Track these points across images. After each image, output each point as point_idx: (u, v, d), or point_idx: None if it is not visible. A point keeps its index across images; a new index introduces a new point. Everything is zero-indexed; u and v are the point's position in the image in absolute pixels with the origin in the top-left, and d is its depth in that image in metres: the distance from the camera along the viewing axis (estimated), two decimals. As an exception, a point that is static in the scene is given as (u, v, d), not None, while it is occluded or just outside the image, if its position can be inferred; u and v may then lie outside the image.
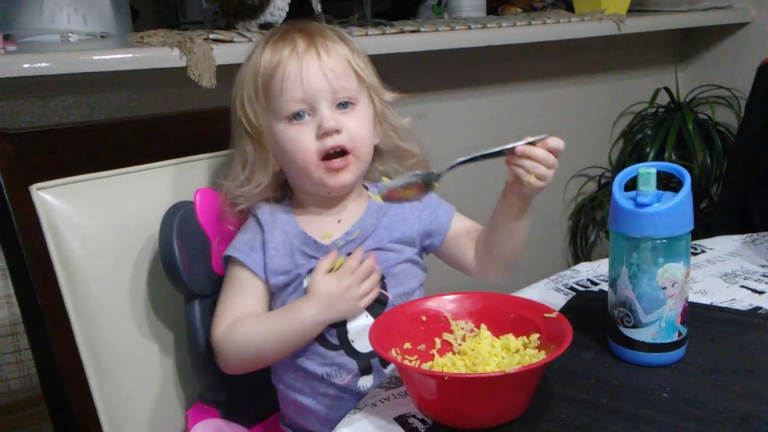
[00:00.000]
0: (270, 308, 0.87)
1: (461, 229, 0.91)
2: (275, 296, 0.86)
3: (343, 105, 0.84)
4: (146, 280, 0.90)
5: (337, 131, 0.83)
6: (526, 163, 0.76)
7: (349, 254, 0.85)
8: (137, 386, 0.88)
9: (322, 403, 0.86)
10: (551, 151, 0.76)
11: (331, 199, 0.88)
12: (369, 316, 0.85)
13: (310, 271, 0.84)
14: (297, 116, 0.84)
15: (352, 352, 0.85)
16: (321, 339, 0.85)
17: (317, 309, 0.82)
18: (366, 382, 0.85)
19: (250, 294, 0.85)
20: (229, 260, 0.87)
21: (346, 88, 0.84)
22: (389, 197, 0.77)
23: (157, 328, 0.90)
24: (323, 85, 0.83)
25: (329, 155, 0.83)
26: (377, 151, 0.91)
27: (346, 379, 0.85)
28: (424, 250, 0.93)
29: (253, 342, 0.82)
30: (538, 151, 0.76)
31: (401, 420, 0.69)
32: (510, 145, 0.75)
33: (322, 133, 0.83)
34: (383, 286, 0.86)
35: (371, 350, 0.84)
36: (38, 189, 0.83)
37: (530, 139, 0.76)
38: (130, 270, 0.88)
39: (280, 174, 0.89)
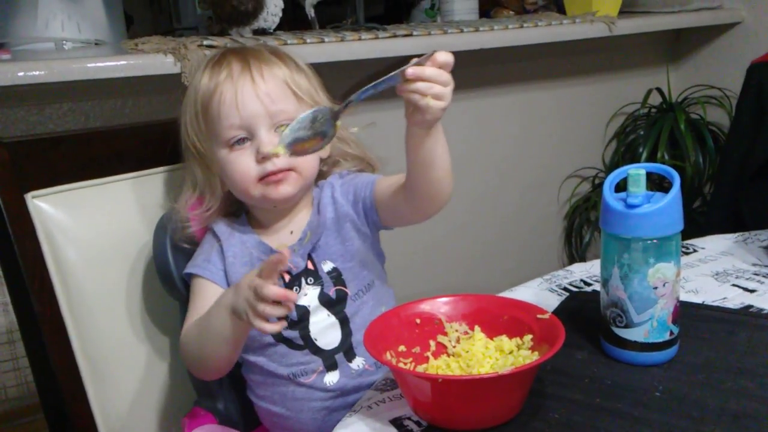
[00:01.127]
0: None
1: (386, 186, 0.86)
2: None
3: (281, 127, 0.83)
4: (141, 287, 0.90)
5: (276, 155, 0.82)
6: (420, 85, 0.70)
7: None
8: (134, 392, 0.89)
9: (291, 408, 0.87)
10: (442, 67, 0.71)
11: (280, 212, 0.88)
12: (330, 314, 0.86)
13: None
14: (237, 142, 0.83)
15: (316, 350, 0.85)
16: (284, 340, 0.85)
17: (231, 298, 0.75)
18: (332, 378, 0.86)
19: (210, 303, 0.84)
20: (190, 277, 0.87)
21: (284, 111, 0.83)
22: (296, 152, 0.73)
23: (152, 334, 0.91)
24: (259, 110, 0.82)
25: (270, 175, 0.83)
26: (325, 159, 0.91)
27: (312, 377, 0.85)
28: (375, 226, 0.89)
29: (193, 340, 0.81)
30: (428, 70, 0.70)
31: (396, 422, 0.69)
32: (398, 70, 0.69)
33: (261, 158, 0.82)
34: (341, 281, 0.86)
35: (335, 346, 0.85)
36: (33, 197, 0.84)
37: (416, 60, 0.70)
38: (125, 276, 0.89)
39: (230, 193, 0.88)
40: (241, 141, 0.83)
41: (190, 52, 1.36)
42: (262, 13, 1.50)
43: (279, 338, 0.85)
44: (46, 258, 0.84)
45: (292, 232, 0.88)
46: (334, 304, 0.86)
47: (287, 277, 0.85)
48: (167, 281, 0.86)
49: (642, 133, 2.19)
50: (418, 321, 0.77)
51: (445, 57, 0.71)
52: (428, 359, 0.76)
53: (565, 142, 2.21)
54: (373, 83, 0.70)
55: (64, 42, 1.48)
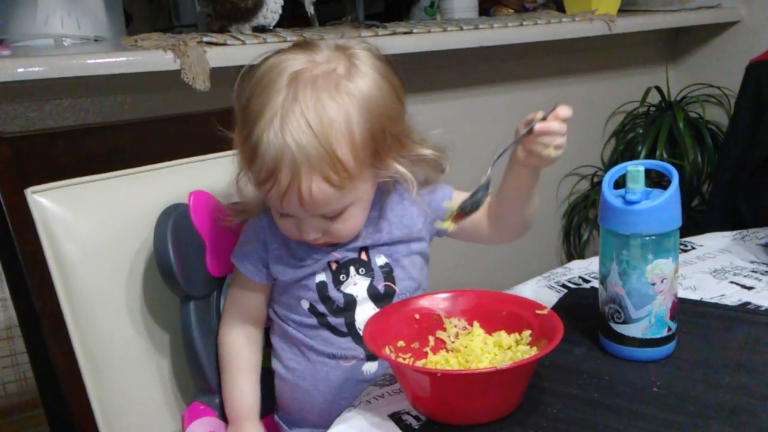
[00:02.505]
0: (278, 300, 0.88)
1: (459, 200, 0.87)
2: (283, 290, 0.87)
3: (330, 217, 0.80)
4: (142, 282, 0.90)
5: (318, 239, 0.81)
6: (546, 138, 0.77)
7: (354, 258, 0.85)
8: (134, 387, 0.89)
9: (320, 387, 0.86)
10: (564, 120, 0.78)
11: None
12: (376, 308, 0.85)
13: (317, 271, 0.84)
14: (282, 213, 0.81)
15: (359, 340, 0.85)
16: (329, 327, 0.85)
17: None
18: (371, 368, 0.86)
19: (249, 295, 0.88)
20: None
21: (333, 210, 0.79)
22: (457, 220, 0.78)
23: (153, 329, 0.91)
24: (303, 212, 0.78)
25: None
26: None
27: (351, 362, 0.85)
28: (438, 235, 0.91)
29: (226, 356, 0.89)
30: (555, 125, 0.76)
31: (395, 417, 0.70)
32: (528, 128, 0.77)
33: (301, 237, 0.81)
34: (391, 278, 0.86)
35: None
36: (33, 192, 0.84)
37: (542, 114, 0.77)
38: (125, 272, 0.89)
39: None
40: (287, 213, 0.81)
41: (189, 49, 1.36)
42: (262, 10, 1.50)
43: (323, 323, 0.85)
44: (46, 253, 0.84)
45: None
46: (382, 298, 0.86)
47: (334, 266, 0.85)
48: (168, 277, 0.86)
49: (641, 131, 2.20)
50: (417, 316, 0.77)
51: (566, 112, 0.78)
52: (427, 354, 0.76)
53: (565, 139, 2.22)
54: (511, 143, 0.79)
55: (64, 38, 1.48)
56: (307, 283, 0.85)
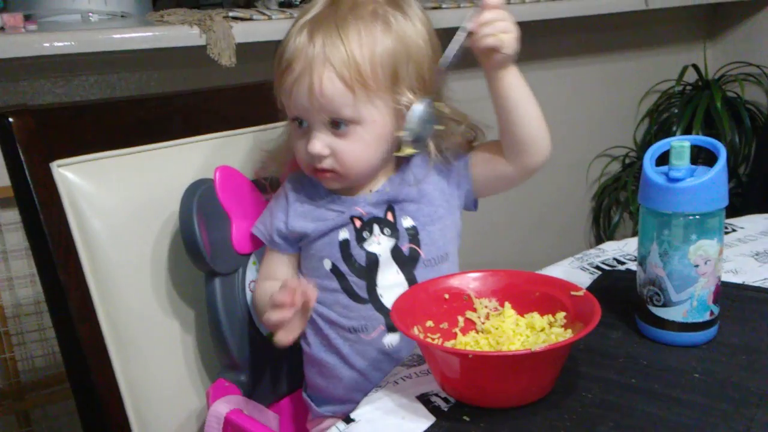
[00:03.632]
0: (301, 266, 0.89)
1: (483, 148, 0.88)
2: (307, 252, 0.87)
3: (337, 125, 0.81)
4: (167, 257, 0.89)
5: (323, 156, 0.81)
6: (486, 29, 0.76)
7: (379, 216, 0.85)
8: (159, 362, 0.88)
9: (345, 361, 0.86)
10: (491, 6, 0.77)
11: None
12: (399, 272, 0.85)
13: (340, 225, 0.84)
14: (298, 122, 0.83)
15: (379, 307, 0.84)
16: (349, 291, 0.84)
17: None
18: (392, 339, 0.84)
19: (276, 260, 0.89)
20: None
21: (340, 115, 0.80)
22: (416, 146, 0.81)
23: (178, 304, 0.90)
24: (310, 108, 0.80)
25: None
26: None
27: (372, 335, 0.84)
28: (467, 197, 0.89)
29: (257, 308, 0.89)
30: (486, 14, 0.76)
31: (423, 398, 0.68)
32: (460, 29, 0.77)
33: (308, 153, 0.82)
34: (417, 241, 0.85)
35: None
36: (59, 166, 0.83)
37: (471, 14, 0.77)
38: (150, 247, 0.88)
39: None
40: (300, 122, 0.83)
41: (215, 24, 1.34)
42: (289, -16, 1.47)
43: (344, 286, 0.84)
44: (72, 228, 0.83)
45: (371, 191, 0.87)
46: (406, 262, 0.85)
47: (358, 223, 0.85)
48: (194, 253, 0.85)
49: (676, 111, 2.14)
50: (446, 296, 0.75)
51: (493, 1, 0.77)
52: (456, 335, 0.74)
53: (596, 120, 2.16)
54: (455, 46, 0.78)
55: (90, 14, 1.47)
56: (331, 240, 0.84)
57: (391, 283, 0.84)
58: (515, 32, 0.77)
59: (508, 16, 0.77)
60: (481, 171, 0.87)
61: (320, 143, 0.81)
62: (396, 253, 0.85)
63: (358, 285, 0.84)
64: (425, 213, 0.86)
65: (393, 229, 0.85)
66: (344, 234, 0.84)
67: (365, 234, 0.84)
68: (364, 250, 0.84)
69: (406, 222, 0.85)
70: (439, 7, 1.61)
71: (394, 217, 0.85)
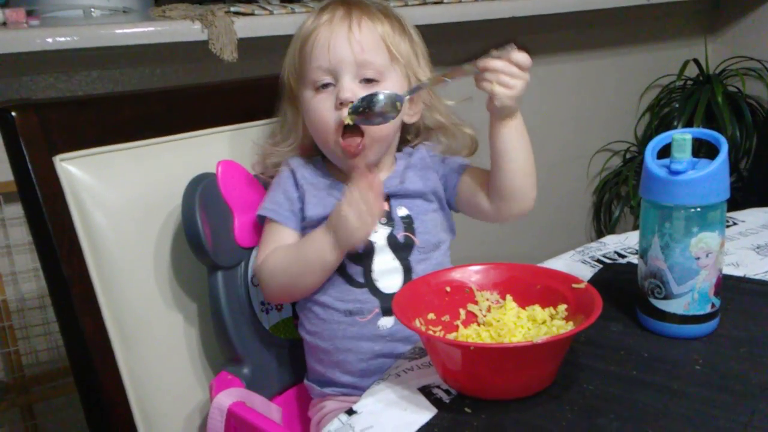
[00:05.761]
0: None
1: (473, 174, 0.91)
2: (306, 230, 0.88)
3: (368, 80, 0.85)
4: (170, 251, 0.89)
5: (352, 102, 0.83)
6: (489, 75, 0.78)
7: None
8: (163, 355, 0.89)
9: (340, 346, 0.86)
10: (515, 64, 0.78)
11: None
12: (395, 258, 0.87)
13: None
14: (322, 86, 0.85)
15: (375, 291, 0.86)
16: (346, 276, 0.86)
17: (333, 240, 0.81)
18: (387, 322, 0.86)
19: (285, 234, 0.88)
20: (262, 219, 0.90)
21: (372, 63, 0.84)
22: (358, 120, 0.83)
23: (181, 298, 0.91)
24: (348, 56, 0.83)
25: (347, 130, 0.84)
26: (420, 128, 0.93)
27: (367, 317, 0.86)
28: (449, 204, 0.93)
29: (284, 270, 0.84)
30: (496, 63, 0.78)
31: (425, 390, 0.68)
32: (471, 62, 0.79)
33: (339, 103, 0.84)
34: (411, 230, 0.88)
35: (394, 291, 0.84)
36: (62, 160, 0.83)
37: (494, 53, 0.78)
38: (153, 241, 0.88)
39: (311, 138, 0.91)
40: (325, 85, 0.85)
41: (217, 19, 1.34)
42: (290, -21, 1.47)
43: (340, 271, 0.85)
44: (75, 222, 0.84)
45: None
46: (401, 249, 0.87)
47: None
48: (196, 247, 0.85)
49: (677, 105, 2.13)
50: (448, 289, 0.76)
51: (519, 57, 0.78)
52: (458, 328, 0.74)
53: (597, 114, 2.16)
54: (445, 71, 0.81)
55: (92, 9, 1.47)
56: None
57: (386, 269, 0.86)
58: (516, 91, 0.79)
59: (518, 74, 0.78)
60: (465, 189, 0.91)
61: (350, 89, 0.83)
62: (391, 241, 0.87)
63: (355, 270, 0.86)
64: (419, 205, 0.89)
65: (389, 218, 0.87)
66: None
67: None
68: None
69: (401, 211, 0.88)
70: (459, 2, 1.61)
71: (390, 206, 0.87)
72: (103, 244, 0.85)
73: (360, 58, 0.83)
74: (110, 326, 0.85)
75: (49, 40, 1.23)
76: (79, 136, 0.86)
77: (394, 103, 0.82)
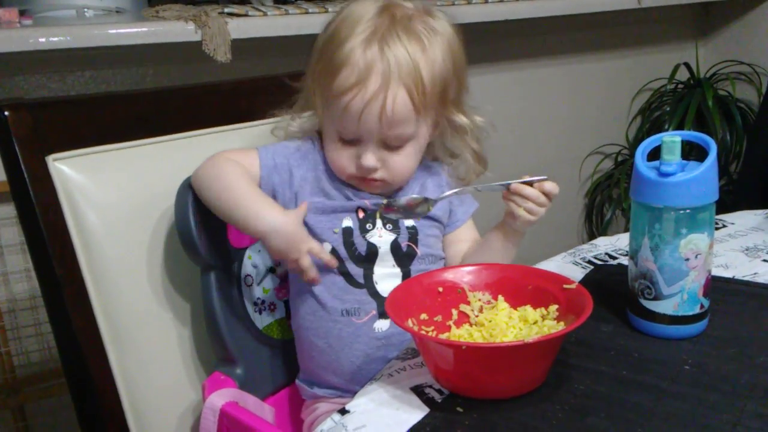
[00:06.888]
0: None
1: (464, 232, 0.93)
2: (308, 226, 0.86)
3: (392, 146, 0.84)
4: (163, 251, 0.90)
5: (375, 170, 0.84)
6: (518, 199, 0.82)
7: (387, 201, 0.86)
8: (156, 356, 0.89)
9: (334, 345, 0.86)
10: (545, 193, 0.82)
11: None
12: (396, 265, 0.87)
13: (346, 210, 0.86)
14: (347, 140, 0.84)
15: (374, 293, 0.86)
16: (347, 276, 0.86)
17: (259, 228, 0.81)
18: (383, 325, 0.86)
19: (250, 165, 0.86)
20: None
21: (399, 137, 0.83)
22: (387, 211, 0.84)
23: (174, 298, 0.91)
24: (375, 129, 0.81)
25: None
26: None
27: (364, 319, 0.86)
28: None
29: (215, 180, 0.83)
30: (528, 190, 0.81)
31: (417, 390, 0.69)
32: (506, 182, 0.82)
33: (358, 167, 0.84)
34: (415, 240, 0.88)
35: None
36: (55, 160, 0.83)
37: (527, 179, 0.82)
38: (146, 241, 0.88)
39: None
40: (350, 141, 0.84)
41: (210, 20, 1.34)
42: (284, -19, 1.48)
43: (342, 271, 0.86)
44: (68, 222, 0.84)
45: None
46: (403, 257, 0.87)
47: (361, 214, 0.87)
48: (189, 247, 0.85)
49: (668, 109, 2.15)
50: (440, 289, 0.76)
51: (551, 187, 0.82)
52: (450, 328, 0.75)
53: (588, 117, 2.17)
54: (476, 186, 0.86)
55: (86, 9, 1.47)
56: (333, 227, 0.86)
57: (386, 273, 0.87)
58: (538, 217, 0.83)
59: (544, 203, 0.82)
60: (453, 239, 0.93)
61: (374, 157, 0.83)
62: (395, 248, 0.87)
63: (356, 271, 0.86)
64: (425, 222, 0.89)
65: (395, 225, 0.88)
66: (347, 222, 0.86)
67: (368, 225, 0.87)
68: (366, 240, 0.86)
69: (408, 222, 0.88)
70: (452, 4, 1.61)
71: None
72: (96, 244, 0.85)
73: (387, 133, 0.82)
74: (102, 327, 0.84)
75: (42, 39, 1.23)
76: (73, 136, 0.86)
77: (426, 205, 0.84)
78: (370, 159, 0.83)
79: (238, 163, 0.85)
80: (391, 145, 0.83)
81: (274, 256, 0.85)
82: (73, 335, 0.85)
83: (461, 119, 0.88)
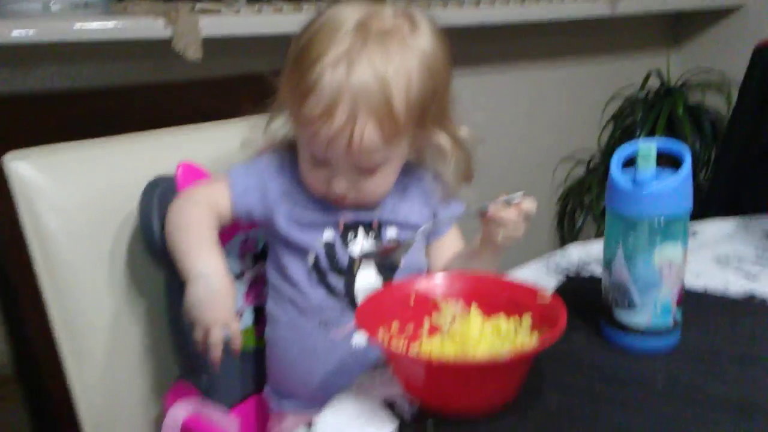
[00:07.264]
0: (281, 252, 0.85)
1: (448, 240, 0.92)
2: (286, 244, 0.84)
3: (365, 168, 0.80)
4: (126, 256, 0.86)
5: (345, 195, 0.82)
6: (496, 225, 0.80)
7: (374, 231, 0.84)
8: (116, 368, 0.86)
9: (308, 356, 0.84)
10: (525, 215, 0.80)
11: None
12: (378, 275, 0.85)
13: (326, 224, 0.84)
14: (319, 161, 0.81)
15: (353, 306, 0.84)
16: (327, 286, 0.84)
17: (199, 271, 0.77)
18: (360, 339, 0.84)
19: (221, 204, 0.83)
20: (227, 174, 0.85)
21: (368, 162, 0.79)
22: (377, 255, 0.83)
23: (137, 305, 0.88)
24: (343, 156, 0.78)
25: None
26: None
27: (340, 331, 0.83)
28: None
29: (176, 228, 0.80)
30: (507, 217, 0.79)
31: (388, 402, 0.67)
32: (483, 205, 0.80)
33: (330, 191, 0.82)
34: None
35: None
36: (11, 158, 0.80)
37: (504, 198, 0.80)
38: (109, 245, 0.85)
39: None
40: (322, 161, 0.80)
41: (181, 16, 1.31)
42: (257, -21, 1.45)
43: (322, 281, 0.84)
44: (25, 226, 0.80)
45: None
46: (385, 269, 0.86)
47: (342, 226, 0.84)
48: (154, 253, 0.82)
49: (640, 116, 2.16)
50: (413, 297, 0.74)
51: (529, 206, 0.79)
52: (422, 337, 0.73)
53: (561, 123, 2.18)
54: (452, 217, 0.87)
55: (52, 2, 1.42)
56: (314, 238, 0.83)
57: (368, 285, 0.85)
58: (518, 236, 0.81)
59: (522, 227, 0.81)
60: (438, 247, 0.91)
61: (345, 183, 0.81)
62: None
63: (337, 282, 0.84)
64: (407, 233, 0.87)
65: (377, 237, 0.86)
66: (328, 233, 0.84)
67: (350, 235, 0.85)
68: (348, 251, 0.84)
69: (390, 231, 0.86)
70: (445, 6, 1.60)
71: (380, 224, 0.86)
72: (55, 248, 0.81)
73: (357, 159, 0.78)
74: (61, 335, 0.81)
75: (5, 32, 1.18)
76: (32, 134, 0.83)
77: (407, 246, 0.83)
78: (340, 185, 0.80)
79: (203, 203, 0.82)
80: (363, 168, 0.80)
81: (187, 315, 0.77)
82: (29, 344, 0.82)
83: (442, 138, 0.84)
